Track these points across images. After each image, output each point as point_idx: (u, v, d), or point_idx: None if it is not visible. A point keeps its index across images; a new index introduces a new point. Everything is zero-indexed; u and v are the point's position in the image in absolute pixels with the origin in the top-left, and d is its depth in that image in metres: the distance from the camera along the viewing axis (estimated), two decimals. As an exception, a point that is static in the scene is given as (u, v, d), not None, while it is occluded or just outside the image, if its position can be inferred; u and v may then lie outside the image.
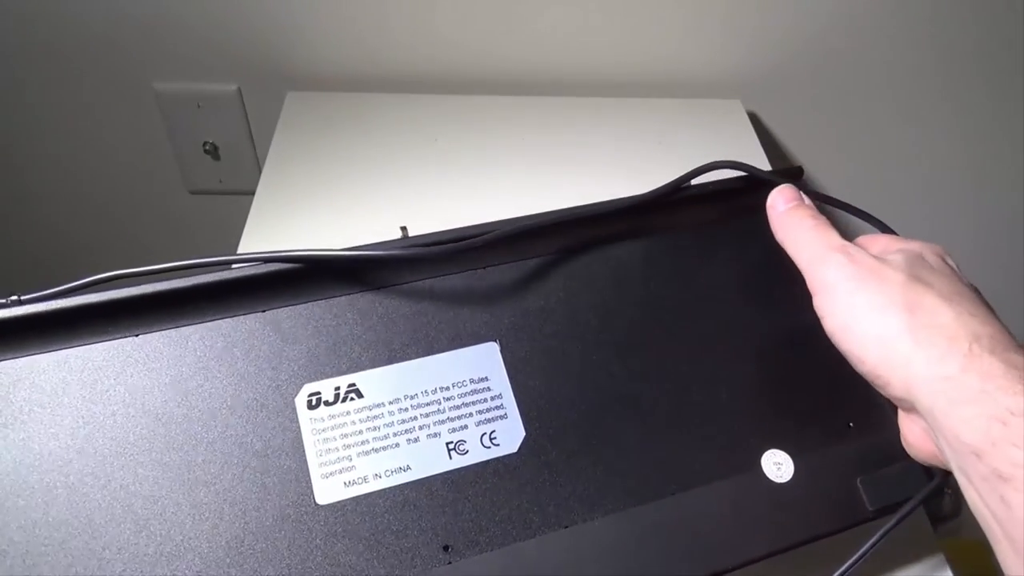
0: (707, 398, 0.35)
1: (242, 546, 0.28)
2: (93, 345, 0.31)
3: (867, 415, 0.33)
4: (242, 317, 0.33)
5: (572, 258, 0.37)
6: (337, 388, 0.32)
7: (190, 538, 0.28)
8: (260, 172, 0.57)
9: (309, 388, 0.32)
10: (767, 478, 0.34)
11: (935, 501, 0.35)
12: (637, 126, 0.65)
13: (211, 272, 0.33)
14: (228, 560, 0.28)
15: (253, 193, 0.55)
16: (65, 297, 0.31)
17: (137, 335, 0.32)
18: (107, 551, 0.27)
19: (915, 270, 0.29)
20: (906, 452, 0.34)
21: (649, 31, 0.65)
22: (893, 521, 0.32)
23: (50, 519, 0.28)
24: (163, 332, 0.32)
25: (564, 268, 0.37)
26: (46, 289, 0.31)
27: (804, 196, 0.36)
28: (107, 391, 0.30)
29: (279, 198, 0.55)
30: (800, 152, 0.76)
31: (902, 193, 0.81)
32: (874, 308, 0.29)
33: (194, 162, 0.72)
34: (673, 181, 0.39)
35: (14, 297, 0.31)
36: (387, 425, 0.31)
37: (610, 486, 0.32)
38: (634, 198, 0.39)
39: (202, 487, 0.29)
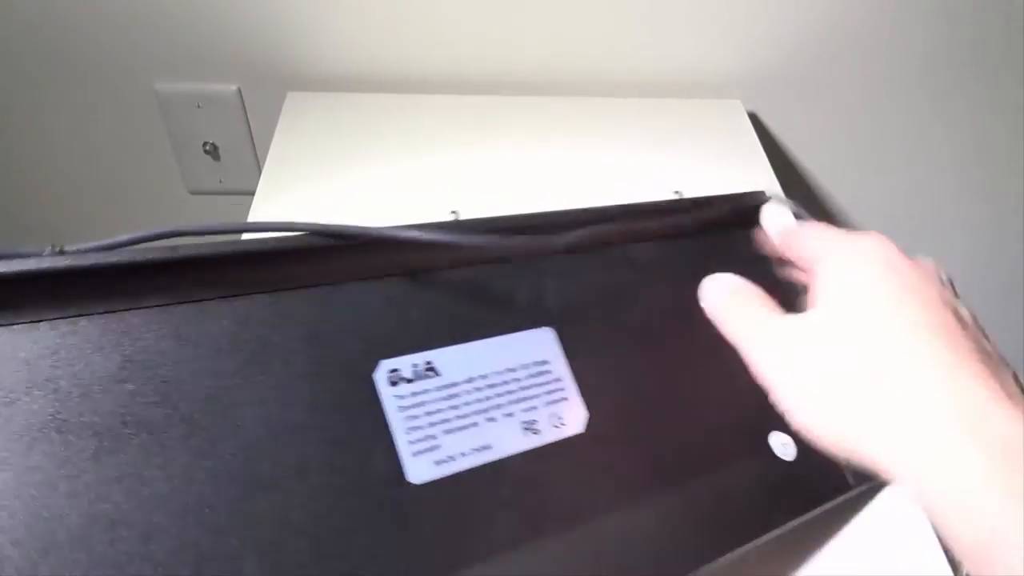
0: (717, 385, 0.37)
1: (334, 530, 0.27)
2: (144, 310, 0.27)
3: None
4: (300, 291, 0.31)
5: (605, 253, 0.39)
6: (415, 364, 0.32)
7: (280, 522, 0.27)
8: (260, 172, 0.57)
9: (388, 364, 0.31)
10: (777, 457, 0.37)
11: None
12: (637, 126, 0.65)
13: (264, 242, 0.31)
14: (321, 547, 0.27)
15: (253, 193, 0.55)
16: (116, 249, 0.28)
17: (199, 301, 0.28)
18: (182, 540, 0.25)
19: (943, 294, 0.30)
20: None
21: (649, 31, 0.65)
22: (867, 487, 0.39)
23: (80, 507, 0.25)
24: (227, 300, 0.29)
25: (601, 261, 0.38)
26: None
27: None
28: (160, 364, 0.27)
29: (279, 198, 0.55)
30: (799, 152, 0.76)
31: (901, 192, 0.81)
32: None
33: (194, 162, 0.72)
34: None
35: (56, 248, 0.28)
36: (466, 404, 0.32)
37: (660, 465, 0.34)
38: (660, 203, 0.41)
39: (283, 467, 0.27)
